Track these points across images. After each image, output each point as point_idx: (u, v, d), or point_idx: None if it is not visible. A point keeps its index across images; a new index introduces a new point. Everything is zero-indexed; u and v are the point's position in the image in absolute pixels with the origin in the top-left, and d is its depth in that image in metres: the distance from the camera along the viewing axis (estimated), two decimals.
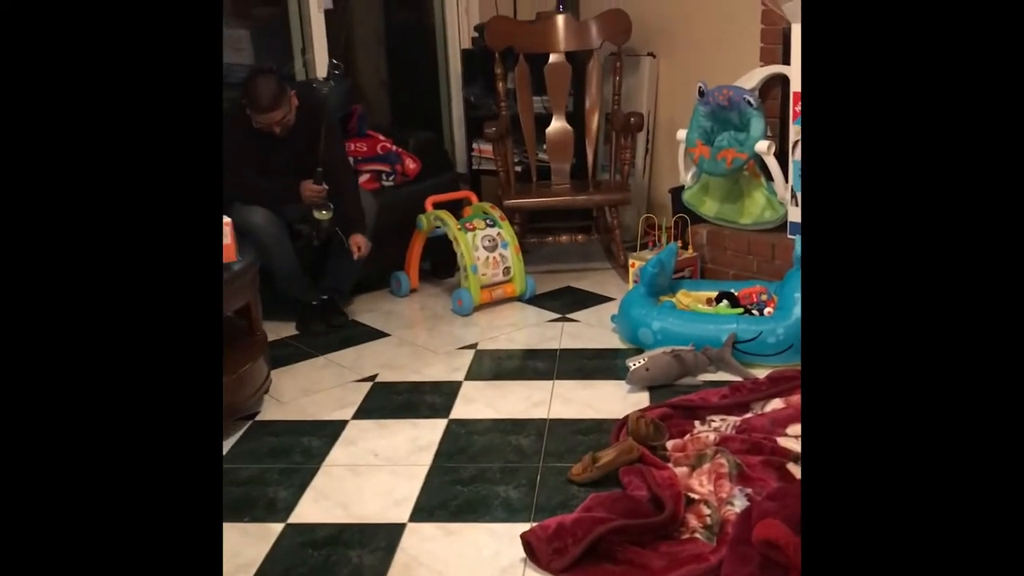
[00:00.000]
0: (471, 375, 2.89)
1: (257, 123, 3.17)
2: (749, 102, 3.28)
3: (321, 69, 4.16)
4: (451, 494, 2.17)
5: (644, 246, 3.64)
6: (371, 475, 2.29)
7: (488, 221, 3.53)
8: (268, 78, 3.16)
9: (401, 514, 2.10)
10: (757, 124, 3.29)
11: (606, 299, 3.52)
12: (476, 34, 4.36)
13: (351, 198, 3.30)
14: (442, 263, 3.79)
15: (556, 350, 3.06)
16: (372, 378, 2.89)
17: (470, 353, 3.07)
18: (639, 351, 2.89)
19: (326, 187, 3.17)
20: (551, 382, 2.80)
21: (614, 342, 3.10)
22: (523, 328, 3.31)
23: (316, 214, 3.17)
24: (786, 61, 3.37)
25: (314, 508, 2.14)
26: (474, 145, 4.42)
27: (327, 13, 4.19)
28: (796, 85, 3.24)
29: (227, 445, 2.45)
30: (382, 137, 3.83)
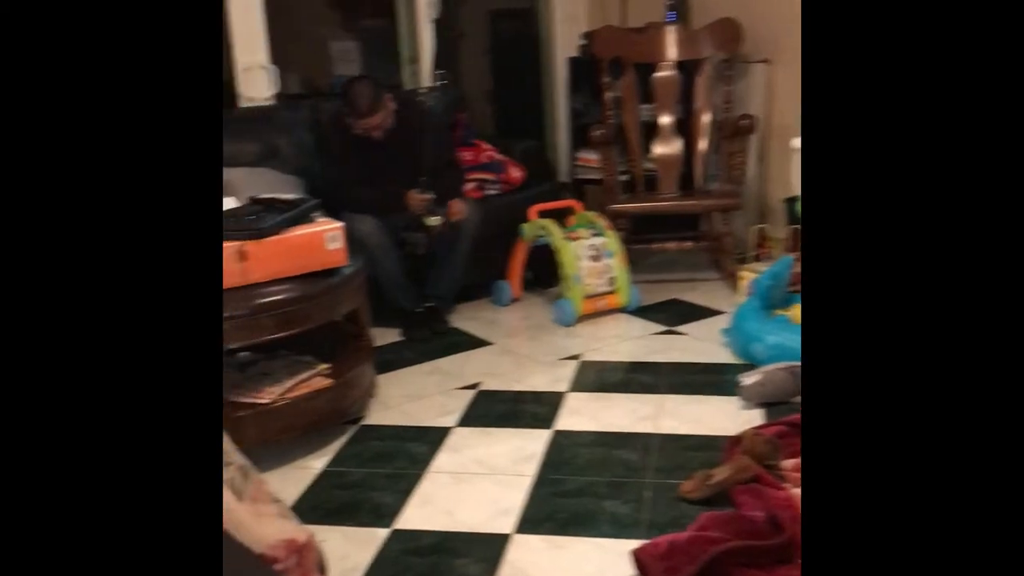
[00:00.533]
0: (575, 386, 2.84)
1: (357, 129, 3.21)
2: None
3: (427, 78, 4.20)
4: (557, 506, 2.12)
5: (756, 258, 3.52)
6: (475, 483, 2.26)
7: (593, 231, 3.48)
8: (364, 83, 3.22)
9: (506, 524, 2.06)
10: None
11: (715, 312, 3.42)
12: (583, 42, 4.32)
13: (454, 183, 3.33)
14: (545, 273, 3.75)
15: (663, 363, 2.98)
16: (475, 386, 2.87)
17: (573, 364, 3.02)
18: (751, 366, 2.78)
19: (432, 195, 3.18)
20: (658, 396, 2.72)
21: (724, 356, 3.00)
22: (628, 340, 3.24)
23: (427, 220, 3.19)
24: None
25: (419, 514, 2.13)
26: (578, 154, 4.38)
27: (435, 23, 4.23)
28: None
29: (334, 448, 2.47)
30: (487, 146, 3.83)
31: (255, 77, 3.68)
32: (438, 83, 3.66)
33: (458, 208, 3.26)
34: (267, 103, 3.71)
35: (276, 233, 2.30)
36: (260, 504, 1.82)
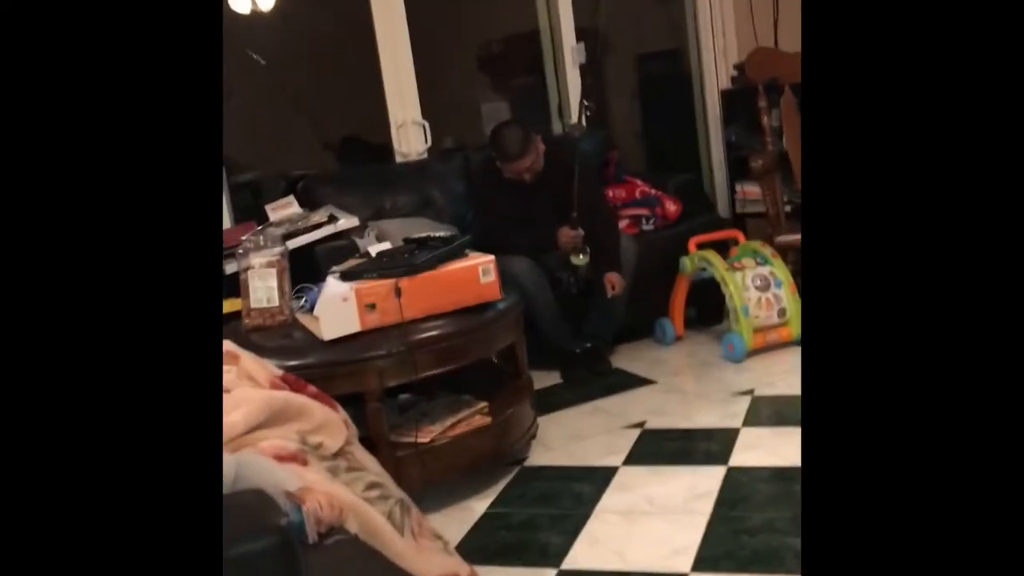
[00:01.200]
0: (749, 421, 2.64)
1: (508, 172, 3.19)
2: None
3: (576, 124, 4.18)
4: (737, 544, 1.94)
5: None
6: (646, 522, 2.11)
7: (759, 259, 3.29)
8: (513, 127, 3.21)
9: (683, 564, 1.90)
10: None
11: None
12: (735, 73, 4.19)
13: (606, 235, 3.22)
14: (709, 309, 3.58)
15: None
16: (640, 424, 2.73)
17: (746, 399, 2.82)
18: None
19: (582, 232, 3.10)
20: None
21: None
22: None
23: (573, 259, 3.11)
24: None
25: (588, 554, 2.00)
26: (737, 187, 4.20)
27: (581, 68, 4.22)
28: None
29: (497, 489, 2.39)
30: (640, 182, 3.73)
31: (409, 133, 3.78)
32: (584, 115, 3.60)
33: (615, 282, 3.14)
34: (421, 157, 3.79)
35: (431, 268, 2.28)
36: (422, 539, 1.76)
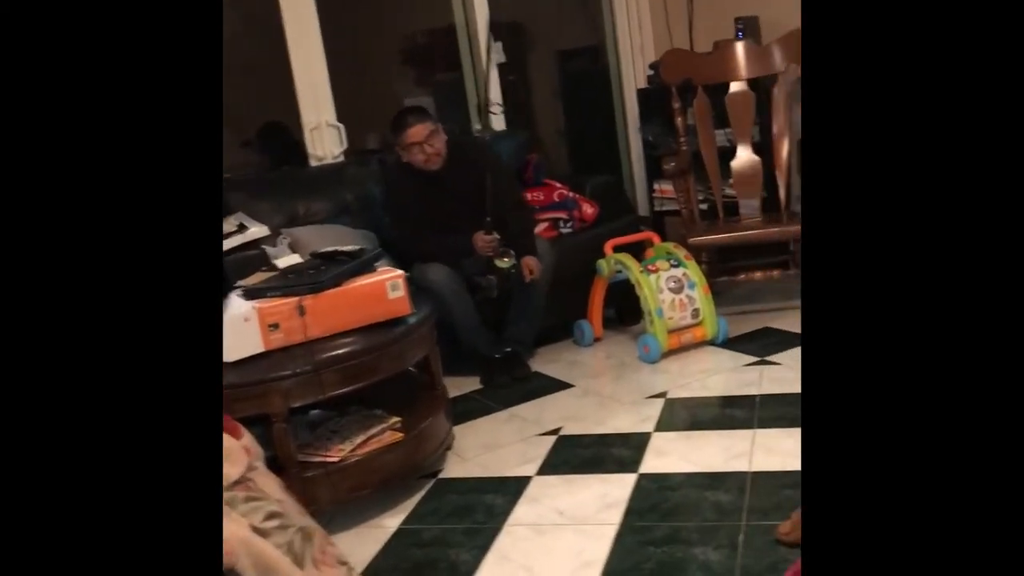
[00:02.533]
0: (662, 426, 2.68)
1: (408, 154, 3.18)
2: None
3: (498, 124, 4.17)
4: (643, 556, 1.96)
5: None
6: (557, 535, 2.13)
7: (672, 262, 3.33)
8: (408, 109, 3.27)
9: None
10: None
11: None
12: (651, 72, 4.22)
13: (521, 222, 3.25)
14: (627, 309, 3.61)
15: (756, 396, 2.79)
16: (556, 431, 2.75)
17: (660, 403, 2.86)
18: None
19: (497, 236, 3.10)
20: (752, 431, 2.53)
21: None
22: (717, 374, 3.06)
23: (498, 263, 3.10)
24: None
25: (498, 571, 2.01)
26: (655, 186, 4.25)
27: (501, 66, 4.20)
28: None
29: (410, 505, 2.38)
30: (558, 184, 3.74)
31: (324, 135, 3.71)
32: (488, 115, 3.58)
33: (532, 265, 3.16)
34: (337, 160, 3.73)
35: (336, 285, 2.25)
36: (324, 567, 1.74)
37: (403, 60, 6.02)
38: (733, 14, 4.01)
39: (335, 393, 2.22)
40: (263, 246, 3.08)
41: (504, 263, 3.09)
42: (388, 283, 2.32)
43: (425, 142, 3.17)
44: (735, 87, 3.73)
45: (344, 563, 1.79)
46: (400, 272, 2.37)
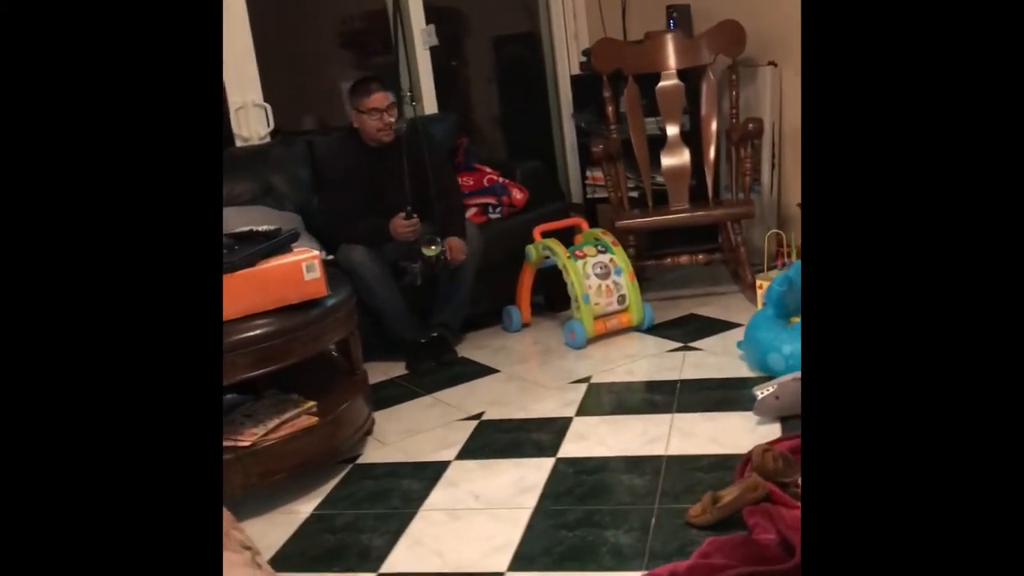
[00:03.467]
0: (583, 410, 2.68)
1: (365, 117, 3.18)
2: None
3: (430, 107, 4.13)
4: (555, 539, 1.96)
5: (774, 266, 3.35)
6: (470, 520, 2.12)
7: (600, 247, 3.34)
8: (369, 75, 3.29)
9: (500, 562, 1.91)
10: None
11: (733, 325, 3.24)
12: (584, 59, 4.22)
13: (452, 209, 3.26)
14: (556, 295, 3.61)
15: (677, 381, 2.82)
16: (478, 416, 2.73)
17: (583, 387, 2.87)
18: (769, 378, 2.60)
19: (417, 222, 3.07)
20: (670, 415, 2.55)
21: (742, 370, 2.82)
22: (641, 359, 3.07)
23: (424, 250, 3.06)
24: None
25: (408, 556, 1.99)
26: (588, 173, 4.25)
27: (432, 50, 4.16)
28: None
29: (325, 490, 2.34)
30: (488, 169, 3.72)
31: (249, 116, 3.63)
32: (408, 103, 3.57)
33: (457, 247, 3.14)
34: (263, 141, 3.66)
35: (249, 266, 2.20)
36: (227, 552, 1.70)
37: (340, 43, 5.94)
38: (665, 2, 4.03)
39: (246, 376, 2.17)
40: None
41: (431, 250, 3.05)
42: (304, 264, 2.27)
43: (385, 110, 3.18)
44: (665, 77, 3.74)
45: (248, 548, 1.75)
46: (316, 253, 2.32)
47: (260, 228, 2.39)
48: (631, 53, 3.80)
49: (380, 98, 3.18)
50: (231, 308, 2.16)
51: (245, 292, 2.18)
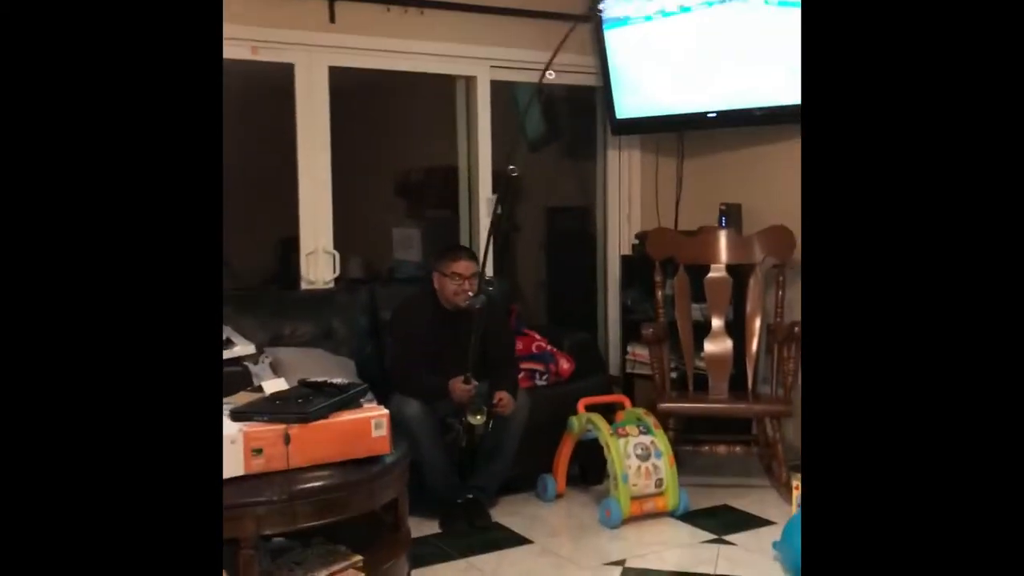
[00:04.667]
0: None
1: (445, 280, 3.34)
2: None
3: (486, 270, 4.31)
4: None
5: None
6: None
7: (642, 428, 3.41)
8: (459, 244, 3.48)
9: None
10: None
11: (767, 522, 3.26)
12: (636, 242, 4.43)
13: (507, 366, 3.41)
14: (592, 468, 3.66)
15: (709, 575, 2.82)
16: None
17: (616, 571, 2.87)
18: None
19: (475, 385, 3.17)
20: None
21: (776, 572, 2.83)
22: (675, 548, 3.09)
23: (470, 417, 3.14)
24: None
25: None
26: (629, 348, 4.38)
27: (494, 217, 4.37)
28: None
29: None
30: (538, 336, 3.86)
31: (319, 261, 3.82)
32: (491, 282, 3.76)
33: (505, 400, 3.24)
34: (327, 286, 3.82)
35: (323, 417, 2.29)
36: None
37: (396, 191, 6.23)
38: (718, 198, 4.26)
39: (307, 525, 2.23)
40: (245, 363, 3.12)
41: (476, 419, 3.14)
42: (373, 421, 2.37)
43: (467, 278, 3.33)
44: (715, 270, 3.93)
45: None
46: (385, 411, 2.42)
47: (334, 380, 2.50)
48: (685, 243, 4.00)
49: (466, 266, 3.36)
50: (302, 456, 2.24)
51: (316, 443, 2.26)
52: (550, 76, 3.65)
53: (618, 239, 4.70)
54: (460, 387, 3.16)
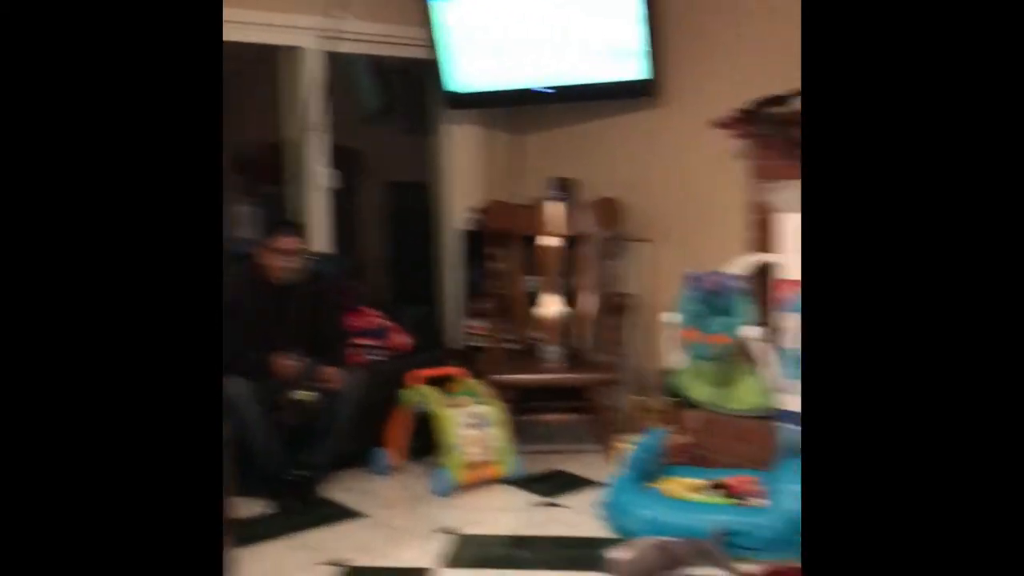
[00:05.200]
0: (449, 562, 2.73)
1: (269, 255, 3.26)
2: (736, 288, 3.29)
3: (319, 245, 4.24)
4: None
5: (635, 430, 3.54)
6: None
7: (476, 399, 3.46)
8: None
9: None
10: (743, 309, 3.28)
11: (596, 484, 3.39)
12: (473, 215, 4.46)
13: (335, 344, 3.39)
14: (427, 441, 3.68)
15: (540, 537, 2.91)
16: (341, 563, 2.73)
17: (450, 538, 2.91)
18: (627, 540, 2.73)
19: (302, 361, 3.13)
20: (532, 572, 2.63)
21: (601, 531, 2.94)
22: (508, 512, 3.16)
23: (295, 394, 3.12)
24: (774, 249, 3.41)
25: None
26: (469, 322, 4.42)
27: (335, 192, 4.31)
28: (783, 272, 3.26)
29: None
30: (372, 312, 3.83)
31: None
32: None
33: (331, 375, 3.21)
34: None
35: None
36: None
37: (232, 169, 6.02)
38: (558, 173, 4.34)
39: None
40: None
41: (304, 396, 3.11)
42: None
43: (292, 253, 3.28)
44: (548, 241, 4.02)
45: None
46: None
47: None
48: (519, 215, 4.07)
49: (289, 242, 3.30)
50: None
51: None
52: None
53: (458, 213, 4.71)
54: (283, 363, 3.11)
